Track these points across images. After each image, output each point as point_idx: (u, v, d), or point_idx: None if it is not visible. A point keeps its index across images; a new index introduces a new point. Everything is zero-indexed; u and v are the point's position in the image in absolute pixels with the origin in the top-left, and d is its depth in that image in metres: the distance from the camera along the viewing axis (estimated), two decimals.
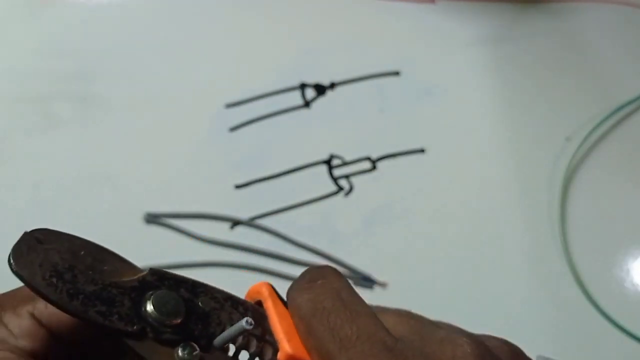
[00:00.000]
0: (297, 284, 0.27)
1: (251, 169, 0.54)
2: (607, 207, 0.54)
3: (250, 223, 0.52)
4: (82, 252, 0.24)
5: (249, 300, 0.27)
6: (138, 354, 0.23)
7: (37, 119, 0.56)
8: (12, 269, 0.23)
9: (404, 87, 0.58)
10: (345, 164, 0.55)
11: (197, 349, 0.24)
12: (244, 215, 0.52)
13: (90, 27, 0.60)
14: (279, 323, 0.25)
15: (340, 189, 0.54)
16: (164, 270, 0.25)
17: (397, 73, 0.59)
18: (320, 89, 0.58)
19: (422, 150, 0.56)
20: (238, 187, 0.54)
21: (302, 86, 0.58)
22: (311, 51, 0.59)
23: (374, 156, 0.55)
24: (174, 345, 0.24)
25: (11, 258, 0.23)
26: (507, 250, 0.52)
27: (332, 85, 0.58)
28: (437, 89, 0.58)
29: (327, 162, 0.55)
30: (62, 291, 0.23)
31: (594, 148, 0.56)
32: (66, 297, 0.23)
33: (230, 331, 0.25)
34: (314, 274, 0.27)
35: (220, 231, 0.52)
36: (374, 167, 0.55)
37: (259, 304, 0.26)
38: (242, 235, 0.52)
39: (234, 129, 0.56)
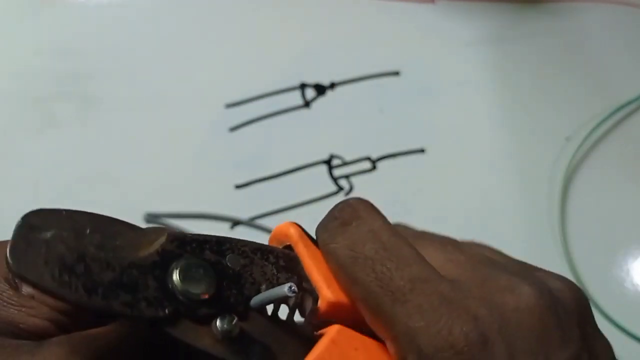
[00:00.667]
0: (328, 224, 0.24)
1: (251, 169, 0.54)
2: (607, 207, 0.54)
3: (250, 223, 0.52)
4: (88, 230, 0.22)
5: (276, 243, 0.25)
6: (175, 338, 0.21)
7: (37, 119, 0.56)
8: (13, 272, 0.20)
9: (404, 87, 0.58)
10: (345, 164, 0.55)
11: (236, 318, 0.22)
12: (244, 215, 0.52)
13: (90, 27, 0.60)
14: (315, 268, 0.23)
15: (340, 189, 0.54)
16: (183, 232, 0.23)
17: (397, 73, 0.59)
18: (320, 89, 0.58)
19: (422, 150, 0.56)
20: (238, 187, 0.54)
21: (302, 86, 0.58)
22: (311, 51, 0.59)
23: (374, 156, 0.55)
24: (209, 320, 0.21)
25: (10, 259, 0.20)
26: (507, 250, 0.52)
27: (332, 85, 0.58)
28: (437, 89, 0.58)
29: (327, 162, 0.55)
30: (77, 288, 0.20)
31: (594, 148, 0.56)
32: (84, 294, 0.20)
33: (269, 294, 0.22)
34: (346, 212, 0.24)
35: (220, 231, 0.52)
36: (374, 167, 0.55)
37: (289, 247, 0.24)
38: (242, 235, 0.51)
39: (234, 129, 0.56)
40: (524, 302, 0.23)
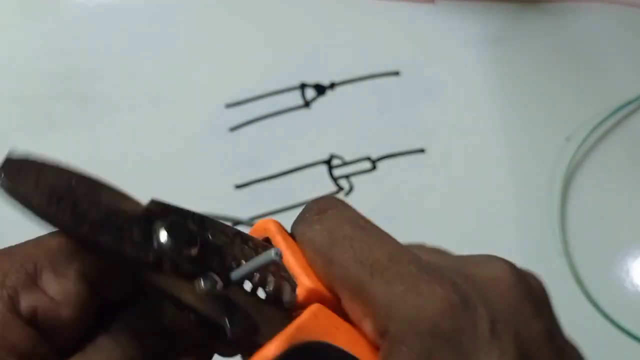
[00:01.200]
0: (304, 215, 0.24)
1: (251, 169, 0.54)
2: (607, 207, 0.54)
3: (250, 223, 0.52)
4: (73, 182, 0.21)
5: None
6: (157, 287, 0.21)
7: (37, 119, 0.56)
8: (3, 186, 0.19)
9: (404, 87, 0.58)
10: (345, 164, 0.55)
11: (219, 280, 0.21)
12: (244, 215, 0.52)
13: (90, 27, 0.60)
14: (292, 259, 0.23)
15: (340, 189, 0.54)
16: (167, 202, 0.23)
17: (397, 73, 0.59)
18: (320, 89, 0.58)
19: (422, 150, 0.56)
20: (238, 187, 0.54)
21: (302, 86, 0.58)
22: (311, 51, 0.59)
23: (374, 156, 0.55)
24: (193, 278, 0.21)
25: (3, 175, 0.19)
26: (507, 250, 0.52)
27: (332, 85, 0.58)
28: (437, 89, 0.58)
29: (327, 162, 0.55)
30: (66, 214, 0.20)
31: (594, 148, 0.56)
32: (73, 221, 0.20)
33: (254, 262, 0.22)
34: (321, 204, 0.24)
35: None
36: (374, 167, 0.55)
37: (267, 241, 0.25)
38: None
39: (234, 129, 0.56)
40: (499, 273, 0.23)
